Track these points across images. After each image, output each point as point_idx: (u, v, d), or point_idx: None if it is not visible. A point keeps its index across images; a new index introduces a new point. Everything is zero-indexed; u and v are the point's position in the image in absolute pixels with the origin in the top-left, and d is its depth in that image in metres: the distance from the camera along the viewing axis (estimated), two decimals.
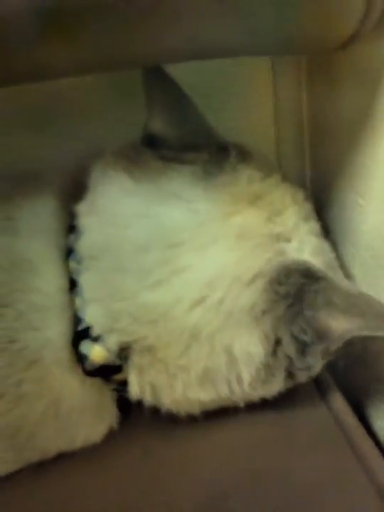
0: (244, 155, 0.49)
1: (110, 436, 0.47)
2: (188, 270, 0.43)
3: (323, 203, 0.57)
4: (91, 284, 0.44)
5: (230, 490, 0.44)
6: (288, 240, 0.46)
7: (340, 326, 0.41)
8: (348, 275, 0.52)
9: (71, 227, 0.48)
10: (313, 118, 0.60)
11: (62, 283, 0.45)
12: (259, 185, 0.48)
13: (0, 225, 0.46)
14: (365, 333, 0.41)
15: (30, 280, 0.44)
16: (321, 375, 0.48)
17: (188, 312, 0.42)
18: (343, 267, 0.52)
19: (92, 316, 0.44)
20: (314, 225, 0.49)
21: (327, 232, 0.50)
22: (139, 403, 0.46)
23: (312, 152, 0.62)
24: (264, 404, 0.47)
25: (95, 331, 0.43)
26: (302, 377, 0.46)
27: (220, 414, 0.48)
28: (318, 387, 0.49)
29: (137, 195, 0.46)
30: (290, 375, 0.45)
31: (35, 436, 0.44)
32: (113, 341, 0.43)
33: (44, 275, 0.45)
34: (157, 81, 0.48)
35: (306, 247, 0.46)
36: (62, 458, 0.46)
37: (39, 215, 0.47)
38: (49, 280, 0.45)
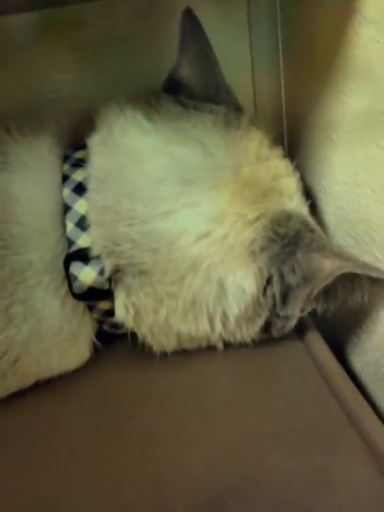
0: (255, 120, 0.52)
1: (87, 370, 0.49)
2: (198, 205, 0.45)
3: (298, 141, 0.60)
4: (97, 206, 0.46)
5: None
6: (290, 198, 0.49)
7: (332, 263, 0.43)
8: (321, 211, 0.55)
9: (66, 157, 0.49)
10: (288, 55, 0.62)
11: (46, 209, 0.46)
12: (268, 150, 0.51)
13: None
14: (356, 270, 0.43)
15: (11, 212, 0.45)
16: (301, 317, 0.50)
17: (192, 244, 0.44)
18: (317, 204, 0.55)
19: (93, 238, 0.45)
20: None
21: (301, 172, 0.53)
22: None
23: (288, 91, 0.65)
24: (241, 346, 0.50)
25: (93, 253, 0.45)
26: (277, 329, 0.49)
27: (197, 352, 0.50)
28: (297, 328, 0.51)
29: (155, 135, 0.48)
30: (267, 325, 0.48)
31: (19, 361, 0.45)
32: (109, 263, 0.45)
33: (24, 206, 0.46)
34: (192, 31, 0.51)
35: (304, 211, 0.50)
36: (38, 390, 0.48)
37: (33, 149, 0.48)
38: (29, 210, 0.46)
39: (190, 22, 0.51)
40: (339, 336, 0.55)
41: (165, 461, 0.42)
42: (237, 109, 0.53)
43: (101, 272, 0.45)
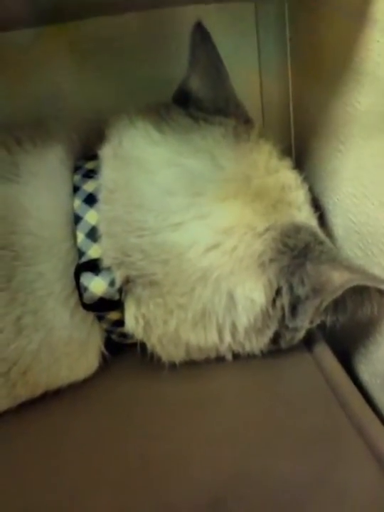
0: (264, 132, 0.52)
1: (95, 381, 0.49)
2: (208, 217, 0.45)
3: (306, 153, 0.60)
4: (107, 217, 0.46)
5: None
6: (299, 210, 0.49)
7: (342, 276, 0.43)
8: (330, 223, 0.55)
9: (77, 168, 0.49)
10: (297, 66, 0.63)
11: (57, 220, 0.47)
12: (277, 162, 0.51)
13: (5, 171, 0.47)
14: (365, 283, 0.44)
15: (22, 223, 0.46)
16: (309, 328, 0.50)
17: (202, 255, 0.44)
18: (326, 216, 0.55)
19: (104, 249, 0.45)
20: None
21: (310, 183, 0.53)
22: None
23: (296, 100, 0.65)
24: (250, 357, 0.50)
25: (104, 264, 0.45)
26: (285, 341, 0.49)
27: (206, 363, 0.50)
28: (305, 339, 0.51)
29: (165, 146, 0.48)
30: (276, 336, 0.48)
31: (29, 371, 0.45)
32: (119, 274, 0.45)
33: (35, 217, 0.46)
34: (203, 44, 0.52)
35: (313, 223, 0.50)
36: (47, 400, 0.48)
37: (43, 160, 0.49)
38: (40, 221, 0.46)
39: (201, 35, 0.51)
40: (347, 346, 0.55)
41: (167, 462, 0.43)
42: (247, 121, 0.53)
43: (111, 283, 0.45)
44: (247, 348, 0.49)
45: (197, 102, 0.52)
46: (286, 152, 0.53)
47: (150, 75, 0.63)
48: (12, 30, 0.58)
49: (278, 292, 0.46)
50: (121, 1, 0.52)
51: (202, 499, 0.40)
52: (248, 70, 0.66)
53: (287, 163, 0.52)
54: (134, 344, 0.49)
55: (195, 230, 0.45)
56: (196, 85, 0.53)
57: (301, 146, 0.62)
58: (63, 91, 0.63)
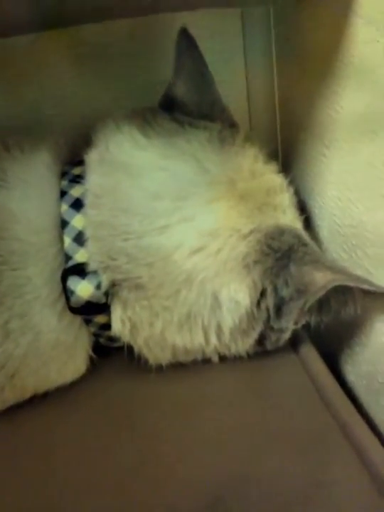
0: (250, 136, 0.53)
1: (83, 384, 0.50)
2: (193, 220, 0.46)
3: (292, 156, 0.61)
4: (93, 222, 0.46)
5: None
6: (284, 212, 0.50)
7: (325, 276, 0.44)
8: (315, 225, 0.56)
9: (64, 173, 0.50)
10: (282, 71, 0.64)
11: (44, 225, 0.47)
12: (263, 165, 0.52)
13: None
14: (348, 283, 0.44)
15: (10, 228, 0.46)
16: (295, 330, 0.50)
17: (187, 258, 0.45)
18: (311, 218, 0.56)
19: (90, 253, 0.46)
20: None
21: (295, 186, 0.54)
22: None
23: (282, 104, 0.66)
24: (236, 359, 0.50)
25: (91, 267, 0.46)
26: (271, 342, 0.49)
27: (194, 366, 0.50)
28: (291, 340, 0.52)
29: (151, 151, 0.49)
30: (261, 338, 0.48)
31: (17, 375, 0.46)
32: (106, 278, 0.45)
33: (23, 222, 0.46)
34: (188, 50, 0.52)
35: (298, 225, 0.50)
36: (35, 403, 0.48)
37: (31, 166, 0.49)
38: (27, 226, 0.46)
39: (186, 41, 0.52)
40: (333, 347, 0.55)
41: (164, 462, 0.43)
42: (232, 125, 0.54)
43: (98, 287, 0.45)
44: (233, 349, 0.49)
45: (182, 107, 0.53)
46: (272, 155, 0.54)
47: (143, 78, 0.64)
48: (12, 36, 0.58)
49: (262, 294, 0.46)
50: (117, 8, 0.52)
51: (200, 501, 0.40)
52: (235, 74, 0.67)
53: (273, 166, 0.53)
54: (122, 347, 0.50)
55: (180, 232, 0.45)
56: (181, 91, 0.53)
57: (288, 150, 0.62)
58: (61, 94, 0.64)
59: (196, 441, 0.45)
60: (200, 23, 0.60)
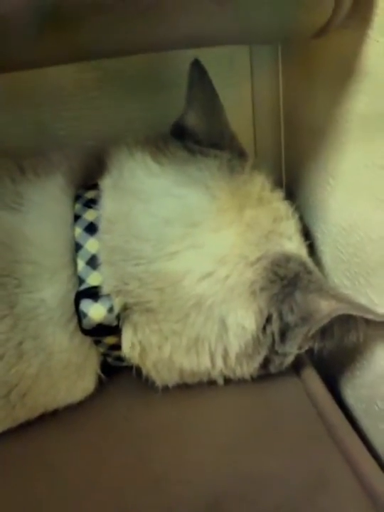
0: (257, 164, 0.55)
1: (91, 403, 0.51)
2: (202, 246, 0.47)
3: (297, 183, 0.62)
4: (107, 247, 0.48)
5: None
6: (290, 239, 0.51)
7: (330, 305, 0.46)
8: (318, 251, 0.58)
9: (77, 197, 0.51)
10: (288, 104, 0.66)
11: (58, 248, 0.48)
12: (269, 193, 0.53)
13: (9, 200, 0.49)
14: (351, 312, 0.46)
15: (24, 251, 0.47)
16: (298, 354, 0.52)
17: (196, 283, 0.46)
18: (315, 245, 0.58)
19: (104, 277, 0.47)
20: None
21: (300, 212, 0.55)
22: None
23: (287, 136, 0.68)
24: (240, 381, 0.52)
25: (104, 291, 0.47)
26: (275, 366, 0.51)
27: (199, 387, 0.52)
28: (293, 364, 0.53)
29: (162, 178, 0.50)
30: (266, 361, 0.50)
31: (28, 393, 0.47)
32: (118, 302, 0.46)
33: (37, 245, 0.48)
34: (200, 81, 0.54)
35: (303, 253, 0.52)
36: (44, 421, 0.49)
37: (45, 190, 0.50)
38: (41, 249, 0.48)
39: (198, 72, 0.54)
40: (334, 371, 0.57)
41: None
42: (241, 154, 0.55)
43: (110, 310, 0.47)
44: (238, 372, 0.51)
45: (194, 136, 0.54)
46: (277, 182, 0.55)
47: (157, 101, 0.66)
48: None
49: (268, 319, 0.48)
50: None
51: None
52: (242, 108, 0.68)
53: (279, 194, 0.54)
54: (128, 366, 0.51)
55: (190, 258, 0.47)
56: (193, 120, 0.55)
57: (292, 177, 0.64)
58: (74, 116, 0.65)
59: (193, 462, 0.46)
60: (210, 54, 0.60)
